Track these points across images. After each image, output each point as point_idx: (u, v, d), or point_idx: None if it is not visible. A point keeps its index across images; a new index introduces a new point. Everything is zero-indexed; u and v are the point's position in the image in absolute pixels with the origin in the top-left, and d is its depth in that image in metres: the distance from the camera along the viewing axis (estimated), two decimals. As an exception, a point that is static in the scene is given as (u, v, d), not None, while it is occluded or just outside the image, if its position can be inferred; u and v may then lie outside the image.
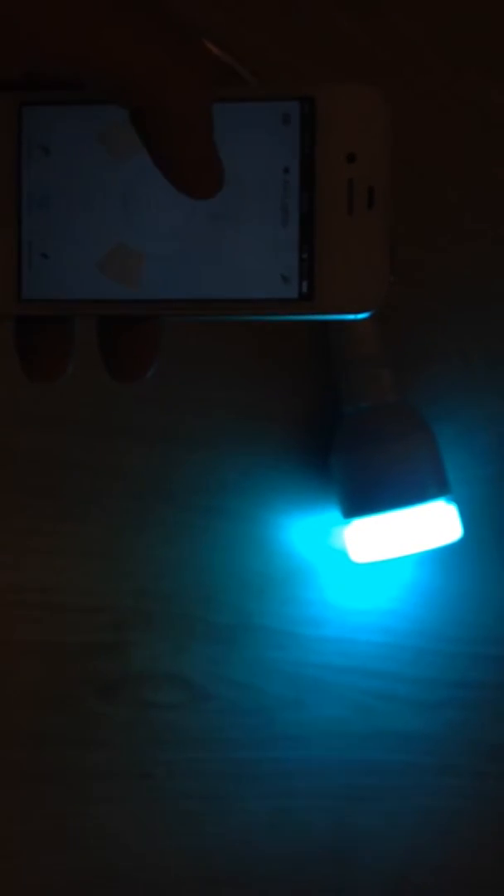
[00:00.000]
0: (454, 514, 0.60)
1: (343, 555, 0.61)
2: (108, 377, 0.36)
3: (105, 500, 0.61)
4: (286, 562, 0.62)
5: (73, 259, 0.35)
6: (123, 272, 0.35)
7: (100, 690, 0.60)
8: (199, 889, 0.63)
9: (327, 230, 0.35)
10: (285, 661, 0.62)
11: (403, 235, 0.62)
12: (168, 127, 0.31)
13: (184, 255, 0.35)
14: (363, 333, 0.60)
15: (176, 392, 0.61)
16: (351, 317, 0.36)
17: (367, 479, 0.59)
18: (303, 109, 0.35)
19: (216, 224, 0.35)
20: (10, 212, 0.35)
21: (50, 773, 0.60)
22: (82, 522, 0.60)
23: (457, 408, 0.64)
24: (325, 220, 0.35)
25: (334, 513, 0.61)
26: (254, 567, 0.62)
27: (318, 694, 0.63)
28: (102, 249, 0.35)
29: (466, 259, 0.64)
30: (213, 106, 0.32)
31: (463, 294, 0.64)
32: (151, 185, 0.32)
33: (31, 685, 0.60)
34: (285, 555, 0.62)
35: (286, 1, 0.61)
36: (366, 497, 0.59)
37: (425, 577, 0.64)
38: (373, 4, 0.62)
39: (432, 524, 0.59)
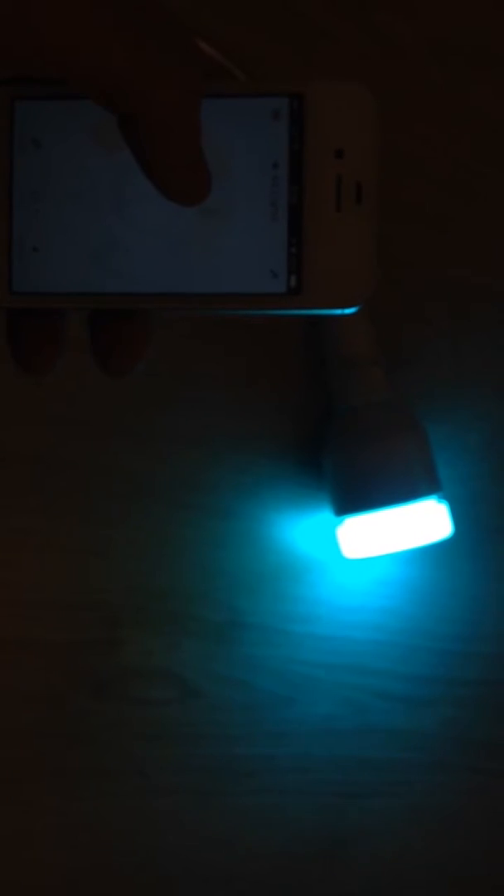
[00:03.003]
0: (445, 511, 0.60)
1: (335, 552, 0.61)
2: (97, 371, 0.37)
3: (98, 497, 0.61)
4: (278, 559, 0.62)
5: (64, 252, 0.35)
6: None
7: (92, 687, 0.61)
8: (190, 885, 0.63)
9: (315, 225, 0.35)
10: (277, 657, 0.62)
11: (393, 234, 0.62)
12: (154, 135, 0.31)
13: (173, 250, 0.36)
14: (355, 331, 0.60)
15: (168, 390, 0.61)
16: (339, 311, 0.36)
17: (358, 477, 0.59)
18: (292, 105, 0.35)
19: (205, 218, 0.35)
20: (0, 205, 0.35)
21: (41, 770, 0.61)
22: (76, 520, 0.60)
23: (449, 406, 0.64)
24: (313, 215, 0.35)
25: (327, 511, 0.61)
26: (246, 564, 0.62)
27: (310, 691, 0.63)
28: (93, 243, 0.36)
29: (457, 257, 0.64)
30: (203, 103, 0.32)
31: (455, 292, 0.64)
32: (142, 179, 0.33)
33: (23, 682, 0.60)
34: (277, 552, 0.62)
35: (277, 0, 0.61)
36: (358, 495, 0.59)
37: (417, 575, 0.64)
38: (361, 4, 0.62)
39: (423, 522, 0.59)
